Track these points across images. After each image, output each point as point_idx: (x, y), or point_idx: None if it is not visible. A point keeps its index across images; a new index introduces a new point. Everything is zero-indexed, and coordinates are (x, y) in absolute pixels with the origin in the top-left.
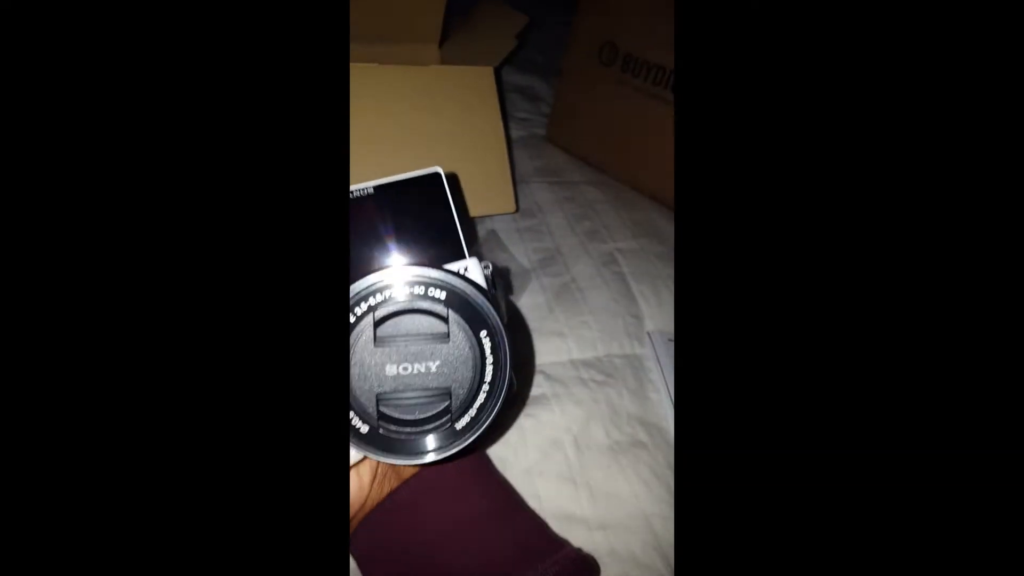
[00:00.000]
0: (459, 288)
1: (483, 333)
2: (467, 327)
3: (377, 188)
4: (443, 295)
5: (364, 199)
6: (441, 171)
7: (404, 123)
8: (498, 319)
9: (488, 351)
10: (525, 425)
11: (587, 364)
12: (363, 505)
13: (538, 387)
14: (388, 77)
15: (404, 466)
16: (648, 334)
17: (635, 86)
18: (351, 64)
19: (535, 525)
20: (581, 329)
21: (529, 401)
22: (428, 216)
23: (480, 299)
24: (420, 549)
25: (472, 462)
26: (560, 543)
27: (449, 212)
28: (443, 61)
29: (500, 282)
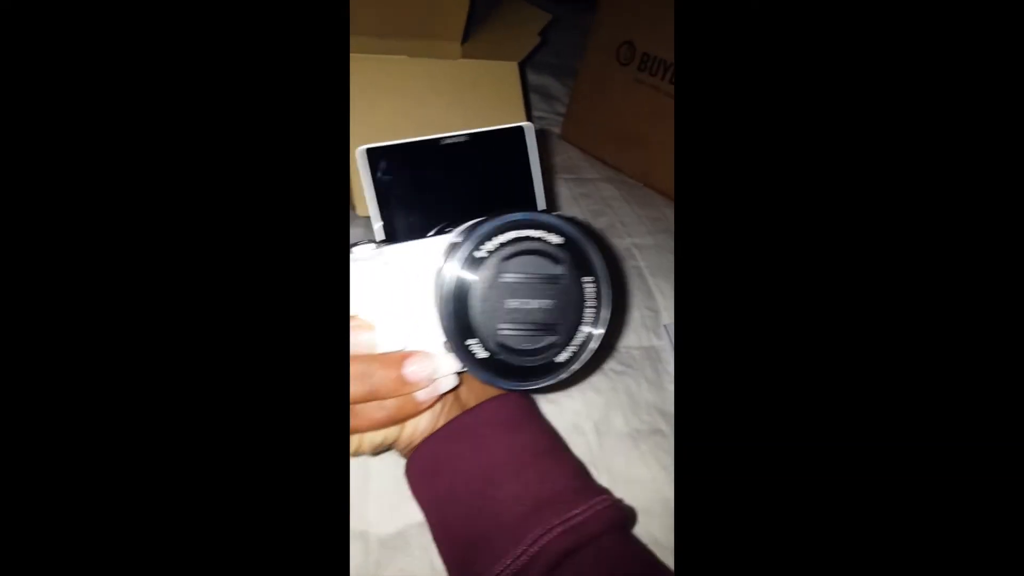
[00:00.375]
0: (573, 235)
1: (587, 279)
2: (575, 272)
3: (470, 136)
4: (560, 240)
5: (458, 145)
6: (527, 126)
7: (430, 114)
8: (603, 268)
9: (590, 296)
10: (547, 410)
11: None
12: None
13: None
14: (417, 70)
15: (488, 386)
16: (664, 327)
17: (652, 84)
18: (379, 57)
19: (583, 468)
20: None
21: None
22: (512, 166)
23: (590, 248)
24: (477, 473)
25: (526, 403)
26: (604, 488)
27: (529, 166)
28: (465, 57)
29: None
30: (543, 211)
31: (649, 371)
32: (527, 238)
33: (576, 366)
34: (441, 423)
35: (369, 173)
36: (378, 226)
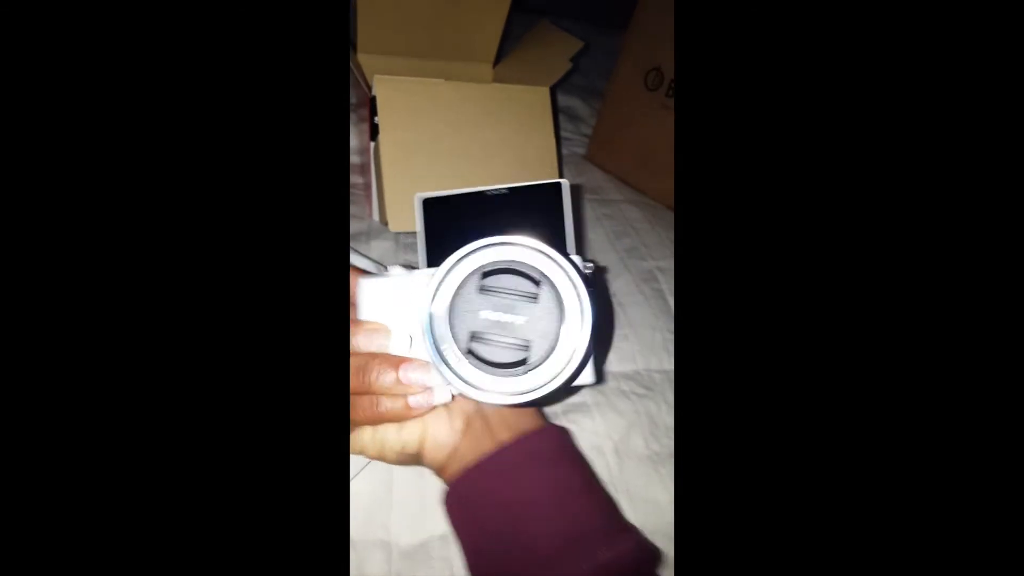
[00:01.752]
0: (558, 261)
1: (570, 306)
2: (557, 297)
3: (510, 190)
4: (541, 263)
5: (498, 197)
6: (564, 183)
7: (462, 137)
8: (589, 301)
9: (568, 321)
10: (568, 430)
11: (627, 376)
12: (453, 452)
13: (579, 395)
14: (449, 93)
15: (491, 406)
16: None
17: None
18: (413, 79)
19: (613, 504)
20: (621, 342)
21: (571, 408)
22: (547, 218)
23: (575, 277)
24: (514, 508)
25: (565, 437)
26: (631, 526)
27: (563, 218)
28: (496, 80)
29: (598, 280)
30: (528, 237)
31: (670, 394)
32: (513, 257)
33: (547, 390)
34: (464, 447)
35: (422, 218)
36: (423, 259)
